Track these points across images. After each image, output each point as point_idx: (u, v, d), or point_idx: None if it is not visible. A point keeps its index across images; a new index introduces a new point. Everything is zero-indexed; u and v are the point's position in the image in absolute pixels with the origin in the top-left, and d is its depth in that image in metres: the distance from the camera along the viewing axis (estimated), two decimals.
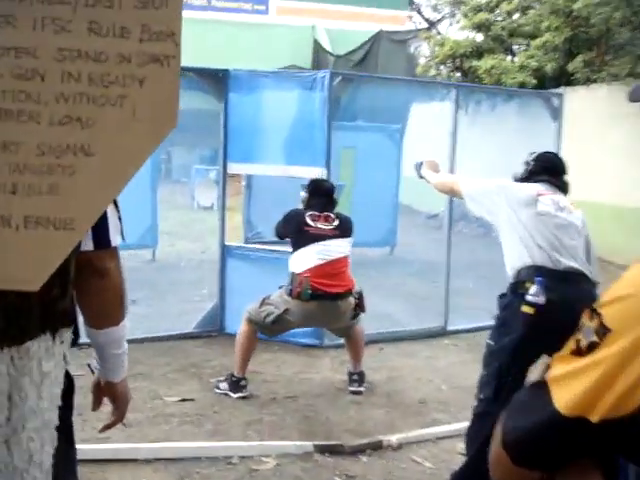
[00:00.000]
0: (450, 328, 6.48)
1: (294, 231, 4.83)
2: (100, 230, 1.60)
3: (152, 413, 4.41)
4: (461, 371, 5.44)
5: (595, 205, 9.93)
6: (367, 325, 6.34)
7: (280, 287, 4.77)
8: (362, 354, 5.03)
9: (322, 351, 5.73)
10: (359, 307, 4.83)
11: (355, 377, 4.93)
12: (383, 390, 4.98)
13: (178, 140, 17.02)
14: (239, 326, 5.93)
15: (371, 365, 5.44)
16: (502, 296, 3.33)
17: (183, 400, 4.64)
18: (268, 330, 4.82)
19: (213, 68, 5.89)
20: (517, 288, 3.19)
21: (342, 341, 5.85)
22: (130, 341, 5.40)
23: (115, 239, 1.66)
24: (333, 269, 4.70)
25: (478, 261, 8.32)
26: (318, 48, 18.15)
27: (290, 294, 4.63)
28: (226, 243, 6.15)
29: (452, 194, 3.81)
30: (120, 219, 1.70)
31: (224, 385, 4.77)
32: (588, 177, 10.49)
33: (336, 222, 4.85)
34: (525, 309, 3.09)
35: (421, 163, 3.97)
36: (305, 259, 4.70)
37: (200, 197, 13.84)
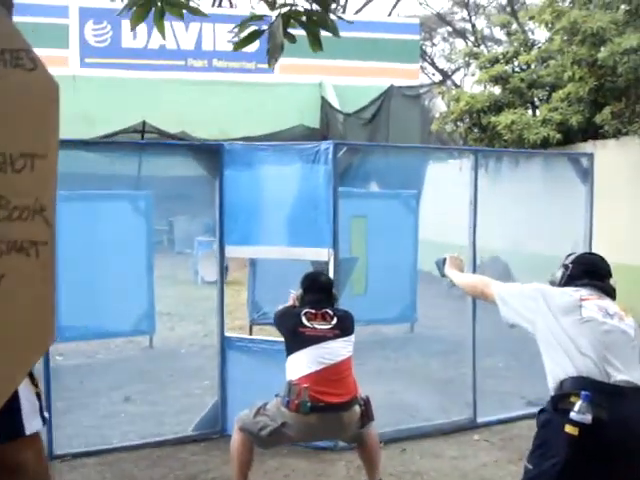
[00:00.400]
0: (480, 420, 6.09)
1: (288, 332, 4.58)
2: (8, 418, 1.30)
3: None
4: (494, 474, 5.07)
5: (633, 268, 9.59)
6: (386, 419, 6.00)
7: (276, 395, 4.46)
8: (379, 461, 4.67)
9: (336, 455, 5.36)
10: (366, 416, 4.49)
11: None
12: None
13: (179, 209, 16.95)
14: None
15: (392, 471, 5.08)
16: (541, 412, 2.99)
17: None
18: (263, 443, 4.52)
19: (205, 143, 5.70)
20: (559, 403, 2.86)
21: None
22: (123, 449, 5.14)
23: (31, 424, 1.36)
24: (334, 375, 4.38)
25: (506, 335, 7.98)
26: (326, 106, 18.12)
27: (287, 406, 4.31)
28: (226, 334, 5.86)
29: (482, 297, 3.46)
30: (39, 395, 1.41)
31: None
32: (620, 237, 10.17)
33: (335, 320, 4.55)
34: (568, 429, 2.76)
35: (444, 260, 3.72)
36: (301, 365, 4.39)
37: (204, 271, 13.59)
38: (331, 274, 5.36)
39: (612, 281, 3.27)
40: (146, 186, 9.70)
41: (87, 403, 6.59)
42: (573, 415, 2.75)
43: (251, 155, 5.64)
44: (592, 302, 3.05)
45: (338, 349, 4.44)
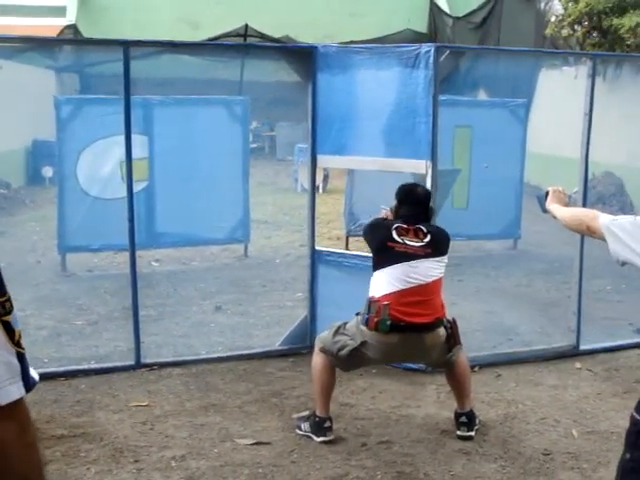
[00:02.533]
0: (583, 347, 5.66)
1: (376, 246, 4.22)
2: None
3: (219, 461, 3.92)
4: (597, 408, 4.69)
5: None
6: (482, 342, 5.68)
7: (357, 314, 4.17)
8: (469, 390, 4.34)
9: (428, 377, 5.07)
10: (453, 339, 4.17)
11: (463, 419, 4.26)
12: (498, 435, 4.29)
13: (281, 115, 16.63)
14: None
15: (484, 398, 4.77)
16: None
17: (257, 444, 4.13)
18: (343, 365, 4.25)
19: (297, 45, 5.31)
20: None
21: None
22: (210, 361, 5.02)
23: (8, 392, 1.08)
24: (420, 296, 4.05)
25: None
26: (435, 9, 17.22)
27: (367, 324, 4.02)
28: (316, 248, 5.59)
29: (588, 233, 2.95)
30: (21, 356, 1.12)
31: (305, 426, 4.23)
32: None
33: (428, 238, 4.16)
34: None
35: (546, 194, 3.26)
36: (386, 282, 4.07)
37: (303, 179, 13.33)
38: (429, 188, 4.97)
39: None
40: (246, 91, 9.42)
41: (178, 311, 6.54)
42: None
43: (346, 58, 5.22)
44: None
45: (428, 269, 4.09)
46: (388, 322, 3.95)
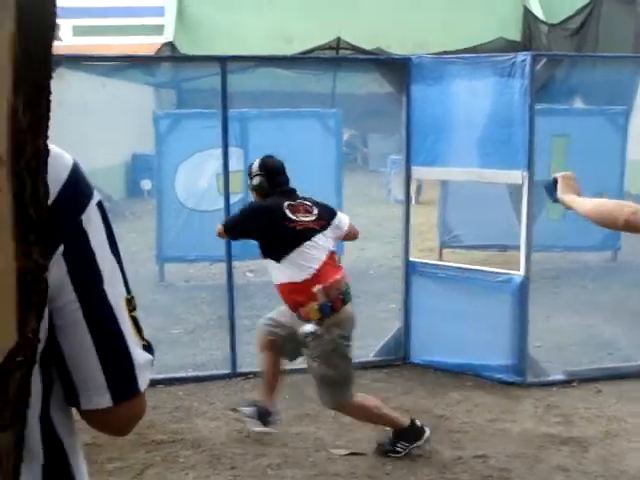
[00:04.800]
0: None
1: (275, 231, 3.91)
2: (118, 375, 1.09)
3: (314, 471, 3.96)
4: None
5: None
6: (580, 356, 5.56)
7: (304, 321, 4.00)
8: None
9: (524, 391, 5.00)
10: None
11: None
12: (598, 452, 4.17)
13: (374, 125, 16.67)
14: (426, 355, 5.40)
15: (583, 414, 4.66)
16: None
17: (352, 454, 4.15)
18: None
19: (391, 57, 5.34)
20: None
21: (550, 378, 5.14)
22: (304, 371, 5.06)
23: (145, 378, 1.14)
24: (334, 263, 4.02)
25: None
26: (529, 17, 16.94)
27: (333, 310, 3.84)
28: (410, 259, 5.59)
29: (625, 228, 2.54)
30: (149, 347, 1.18)
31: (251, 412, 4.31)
32: None
33: (316, 210, 4.02)
34: None
35: (554, 181, 2.89)
36: (305, 267, 3.85)
37: (396, 190, 13.31)
38: (525, 199, 4.90)
39: None
40: (339, 104, 9.50)
41: None
42: None
43: (440, 69, 5.21)
44: None
45: (326, 242, 3.96)
46: (347, 289, 3.92)
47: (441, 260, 8.11)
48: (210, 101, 11.88)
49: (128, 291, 1.12)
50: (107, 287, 1.07)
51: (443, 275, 5.41)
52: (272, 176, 4.09)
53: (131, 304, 1.12)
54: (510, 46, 15.85)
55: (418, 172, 5.50)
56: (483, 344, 5.16)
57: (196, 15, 17.19)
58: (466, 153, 5.20)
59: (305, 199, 4.12)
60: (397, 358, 5.55)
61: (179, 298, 7.44)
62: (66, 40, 17.28)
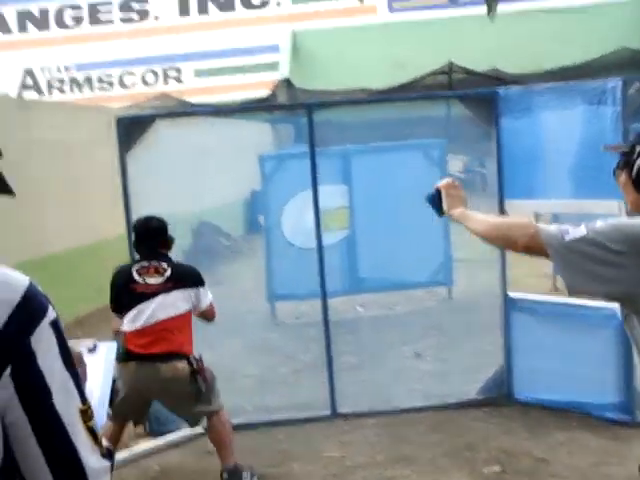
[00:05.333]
0: None
1: (119, 292, 4.25)
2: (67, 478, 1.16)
3: None
4: None
5: None
6: None
7: None
8: (230, 448, 4.33)
9: (634, 431, 4.75)
10: (199, 374, 4.16)
11: (225, 475, 4.28)
12: None
13: (488, 151, 16.39)
14: (529, 392, 5.26)
15: None
16: None
17: None
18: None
19: (476, 91, 5.28)
20: None
21: None
22: (404, 411, 5.04)
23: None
24: (158, 331, 4.16)
25: None
26: None
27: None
28: (509, 294, 5.46)
29: (522, 251, 2.24)
30: (110, 453, 1.24)
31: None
32: None
33: (168, 272, 4.19)
34: None
35: (437, 193, 2.59)
36: (129, 321, 4.18)
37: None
38: None
39: None
40: (453, 127, 9.46)
41: (378, 357, 6.62)
42: None
43: (528, 100, 5.10)
44: None
45: (167, 306, 4.16)
46: (121, 350, 3.96)
47: (556, 287, 7.88)
48: (324, 136, 12.10)
49: (84, 402, 1.19)
50: (57, 402, 1.13)
51: (543, 311, 5.25)
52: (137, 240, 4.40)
53: (87, 414, 1.18)
54: (634, 55, 15.26)
55: (513, 206, 5.38)
56: (588, 381, 4.96)
57: (310, 49, 17.57)
58: (560, 184, 5.06)
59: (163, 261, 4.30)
60: (499, 396, 5.42)
61: (289, 336, 7.57)
62: (188, 82, 18.07)
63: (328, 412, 5.35)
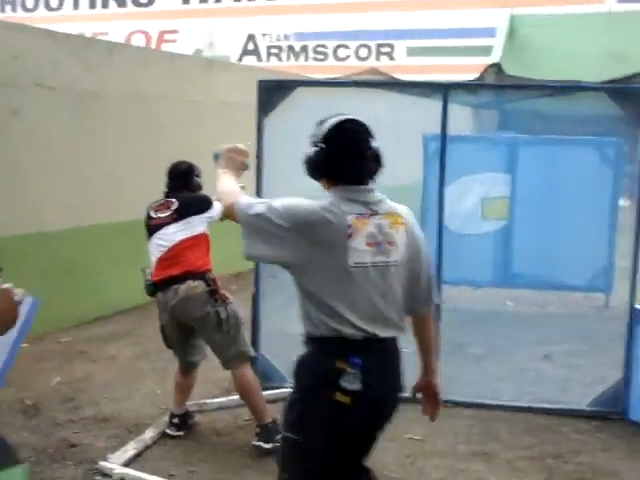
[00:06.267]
0: None
1: (145, 228, 4.65)
2: None
3: None
4: None
5: None
6: None
7: None
8: (255, 406, 4.51)
9: None
10: (217, 294, 4.39)
11: (257, 430, 4.50)
12: None
13: None
14: None
15: None
16: None
17: None
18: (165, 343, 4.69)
19: (628, 86, 4.92)
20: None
21: None
22: (506, 408, 4.93)
23: None
24: (172, 256, 4.45)
25: None
26: None
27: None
28: (636, 306, 5.12)
29: (228, 216, 2.66)
30: None
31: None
32: None
33: (175, 205, 4.55)
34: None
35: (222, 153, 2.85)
36: (150, 254, 4.56)
37: None
38: None
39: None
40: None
41: (505, 353, 6.45)
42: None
43: None
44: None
45: (174, 233, 4.47)
46: (147, 283, 4.48)
47: None
48: (530, 123, 11.76)
49: None
50: None
51: None
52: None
53: None
54: None
55: None
56: None
57: (526, 35, 17.02)
58: None
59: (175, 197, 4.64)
60: (613, 412, 5.11)
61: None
62: (400, 60, 18.18)
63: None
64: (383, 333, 2.53)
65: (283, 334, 6.69)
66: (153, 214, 4.61)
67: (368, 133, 2.57)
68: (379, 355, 2.54)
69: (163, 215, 4.57)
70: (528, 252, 7.86)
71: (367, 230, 2.48)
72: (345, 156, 2.52)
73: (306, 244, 2.44)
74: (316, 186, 2.67)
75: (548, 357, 6.37)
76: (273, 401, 5.22)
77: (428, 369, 2.87)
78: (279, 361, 5.67)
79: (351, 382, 2.43)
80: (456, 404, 5.24)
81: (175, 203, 4.59)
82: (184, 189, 4.69)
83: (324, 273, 2.47)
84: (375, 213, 2.52)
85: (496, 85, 5.61)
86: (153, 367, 5.91)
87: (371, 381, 2.46)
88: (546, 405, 5.25)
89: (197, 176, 4.78)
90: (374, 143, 2.56)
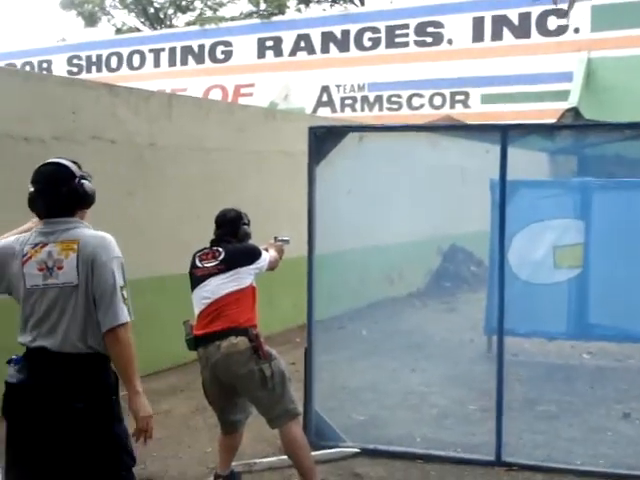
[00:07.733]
0: None
1: (189, 276, 4.48)
2: None
3: None
4: None
5: None
6: None
7: None
8: (303, 468, 4.25)
9: None
10: (260, 351, 4.14)
11: None
12: None
13: None
14: None
15: None
16: None
17: None
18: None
19: None
20: None
21: None
22: (579, 473, 4.53)
23: None
24: (215, 310, 4.24)
25: None
26: None
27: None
28: None
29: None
30: None
31: None
32: None
33: (222, 256, 4.35)
34: None
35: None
36: (194, 305, 4.37)
37: None
38: None
39: None
40: None
41: (581, 411, 6.02)
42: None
43: None
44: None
45: (219, 286, 4.27)
46: (187, 337, 4.26)
47: None
48: (610, 168, 11.27)
49: None
50: None
51: None
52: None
53: None
54: None
55: None
56: None
57: (604, 78, 16.52)
58: None
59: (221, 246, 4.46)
60: None
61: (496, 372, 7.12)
62: (474, 107, 17.88)
63: (492, 458, 4.93)
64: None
65: (342, 389, 6.47)
66: (198, 263, 4.42)
67: (67, 172, 2.96)
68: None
69: (209, 265, 4.37)
70: (605, 302, 7.40)
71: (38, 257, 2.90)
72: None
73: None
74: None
75: (627, 416, 5.87)
76: (325, 461, 4.95)
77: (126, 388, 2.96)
78: (335, 418, 5.40)
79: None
80: (523, 467, 4.86)
81: (222, 253, 4.40)
82: (232, 237, 4.51)
83: None
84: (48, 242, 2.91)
85: (552, 125, 5.27)
86: (206, 424, 5.69)
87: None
88: (624, 471, 4.79)
89: (245, 224, 4.60)
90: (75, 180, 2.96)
